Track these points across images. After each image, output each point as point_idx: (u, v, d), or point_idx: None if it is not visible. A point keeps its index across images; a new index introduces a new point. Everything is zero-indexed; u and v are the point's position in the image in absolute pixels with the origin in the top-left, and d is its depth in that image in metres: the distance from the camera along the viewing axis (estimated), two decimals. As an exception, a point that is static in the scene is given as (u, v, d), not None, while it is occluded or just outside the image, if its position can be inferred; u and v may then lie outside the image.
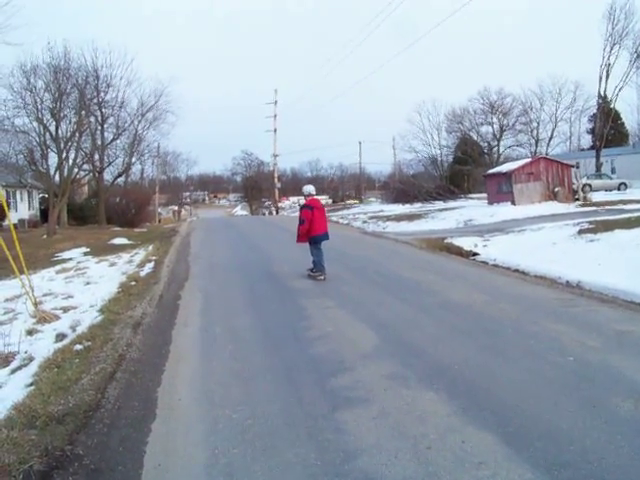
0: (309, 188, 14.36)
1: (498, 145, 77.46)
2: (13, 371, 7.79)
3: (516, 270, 13.74)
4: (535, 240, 17.13)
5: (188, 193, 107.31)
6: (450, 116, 79.60)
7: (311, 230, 13.59)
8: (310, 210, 13.60)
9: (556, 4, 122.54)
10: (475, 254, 16.75)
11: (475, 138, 78.61)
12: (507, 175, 33.70)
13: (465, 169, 69.44)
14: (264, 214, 76.67)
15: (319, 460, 4.64)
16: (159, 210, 71.91)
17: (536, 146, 74.23)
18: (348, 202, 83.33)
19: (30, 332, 9.75)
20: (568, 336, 7.77)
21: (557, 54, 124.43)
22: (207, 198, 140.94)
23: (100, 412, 5.92)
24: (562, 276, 12.13)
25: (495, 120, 77.29)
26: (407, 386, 6.16)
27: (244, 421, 5.44)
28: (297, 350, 7.80)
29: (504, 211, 28.89)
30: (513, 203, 31.89)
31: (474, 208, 34.01)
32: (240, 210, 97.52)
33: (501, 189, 34.44)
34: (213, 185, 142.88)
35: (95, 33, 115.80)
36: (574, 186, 33.77)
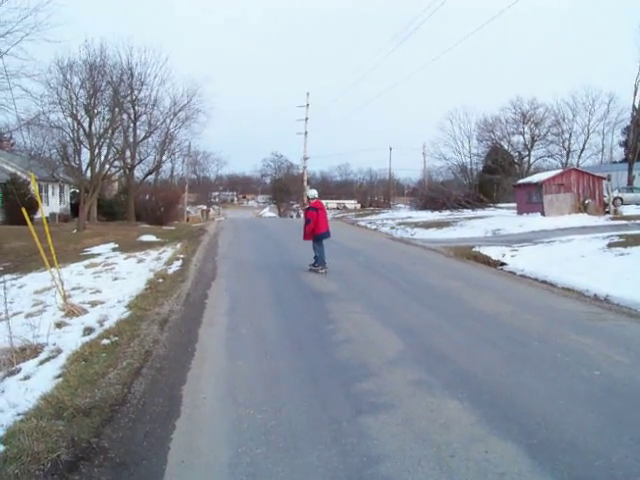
0: (313, 192, 16.02)
1: (529, 155, 76.75)
2: (42, 362, 7.90)
3: (544, 281, 13.63)
4: (564, 252, 16.97)
5: (217, 193, 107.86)
6: (481, 124, 78.98)
7: (315, 229, 15.16)
8: (315, 211, 15.24)
9: (591, 15, 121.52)
10: (503, 264, 16.66)
11: (506, 147, 77.90)
12: (537, 185, 33.37)
13: (495, 178, 68.90)
14: (292, 216, 76.76)
15: (342, 464, 4.64)
16: (188, 209, 72.26)
17: (567, 157, 73.38)
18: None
19: (59, 325, 9.89)
20: (595, 350, 7.69)
21: (591, 65, 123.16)
22: (236, 198, 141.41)
23: (126, 407, 5.99)
24: (590, 289, 12.02)
25: (527, 130, 76.55)
26: (432, 393, 6.15)
27: (268, 422, 5.47)
28: (322, 353, 7.82)
29: (533, 222, 28.64)
30: (542, 214, 31.54)
31: (503, 218, 33.77)
32: (268, 212, 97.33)
33: (531, 199, 34.10)
34: (242, 186, 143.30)
35: (131, 32, 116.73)
36: (605, 199, 33.33)
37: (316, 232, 15.10)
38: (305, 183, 70.58)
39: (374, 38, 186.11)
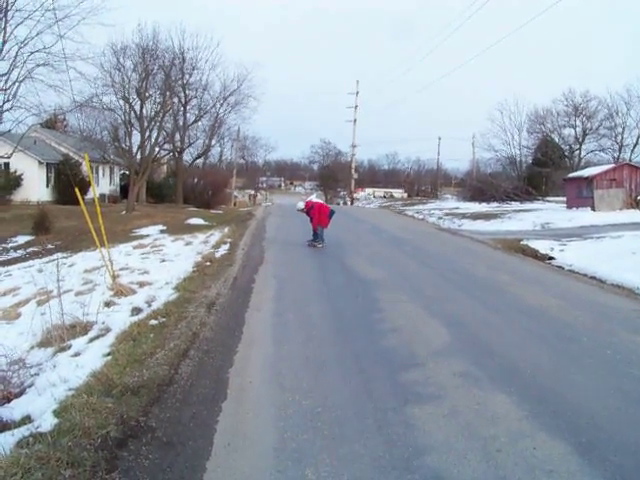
0: (300, 204, 19.05)
1: (580, 149, 74.81)
2: (91, 340, 8.04)
3: (592, 277, 13.35)
4: (614, 248, 16.59)
5: (264, 178, 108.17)
6: (532, 116, 77.12)
7: (321, 215, 17.86)
8: (313, 208, 17.97)
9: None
10: (551, 258, 16.38)
11: (556, 140, 76.19)
12: (588, 180, 32.70)
13: (544, 171, 67.47)
14: (339, 204, 76.57)
15: (387, 453, 4.62)
16: (235, 193, 72.64)
17: (619, 152, 71.13)
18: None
19: (107, 304, 10.03)
20: (647, 349, 7.53)
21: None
22: (283, 184, 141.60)
23: (173, 387, 6.05)
24: (641, 287, 11.75)
25: (578, 123, 74.55)
26: (479, 386, 6.08)
27: (314, 408, 5.47)
28: (369, 341, 7.79)
29: (583, 216, 28.10)
30: (593, 209, 30.90)
31: (552, 211, 33.21)
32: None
33: (581, 194, 33.44)
34: (289, 172, 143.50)
35: (184, 15, 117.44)
36: (659, 195, 32.54)
37: (322, 217, 17.74)
38: (353, 171, 70.44)
39: (427, 26, 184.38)
